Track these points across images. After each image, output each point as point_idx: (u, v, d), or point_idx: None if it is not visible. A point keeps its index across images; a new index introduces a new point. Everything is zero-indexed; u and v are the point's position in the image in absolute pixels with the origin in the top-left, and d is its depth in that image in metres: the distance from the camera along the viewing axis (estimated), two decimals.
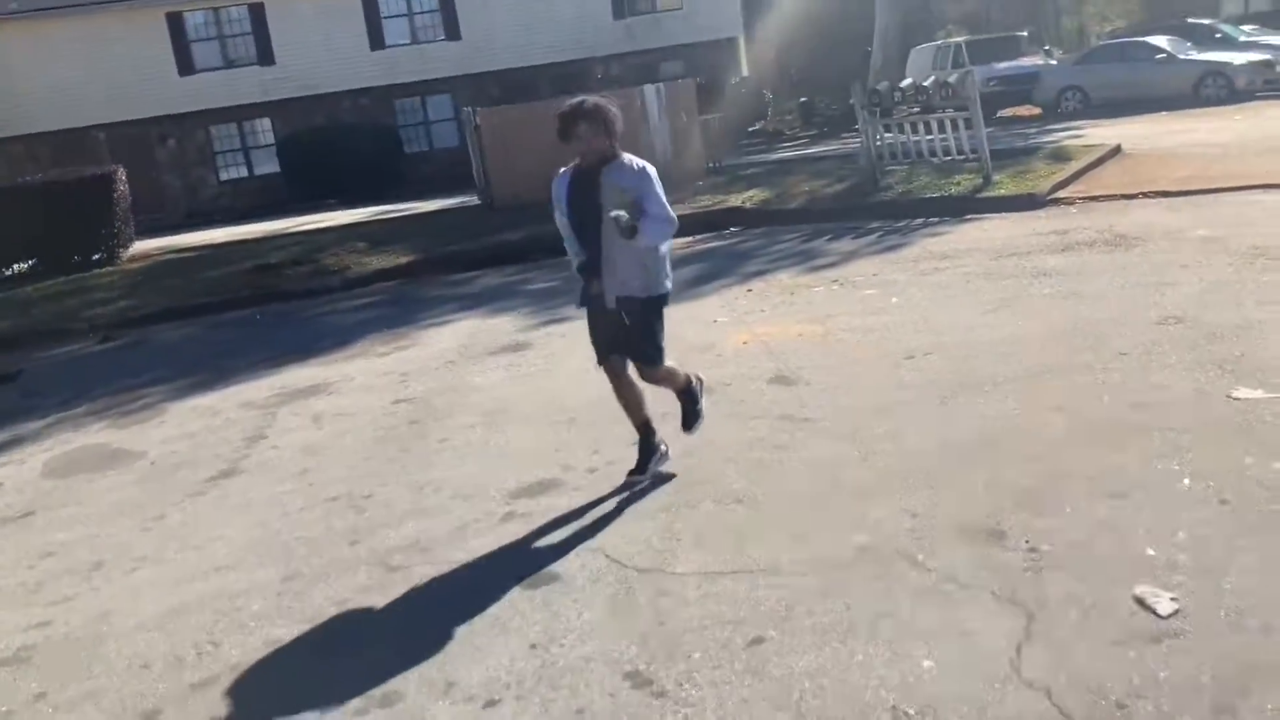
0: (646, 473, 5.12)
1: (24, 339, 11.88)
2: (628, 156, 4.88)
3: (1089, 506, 4.19)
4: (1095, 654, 3.22)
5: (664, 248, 4.97)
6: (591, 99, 4.85)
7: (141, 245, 18.99)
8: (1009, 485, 4.50)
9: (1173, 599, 3.44)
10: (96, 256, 17.00)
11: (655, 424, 5.23)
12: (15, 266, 16.89)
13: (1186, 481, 4.27)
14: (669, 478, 5.14)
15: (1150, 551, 3.77)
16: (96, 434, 7.68)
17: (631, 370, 5.13)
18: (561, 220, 5.07)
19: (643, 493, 5.01)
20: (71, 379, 9.86)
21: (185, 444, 7.06)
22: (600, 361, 5.12)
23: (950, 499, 4.45)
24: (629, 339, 4.98)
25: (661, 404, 5.37)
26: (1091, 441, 4.84)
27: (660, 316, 5.03)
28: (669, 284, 5.04)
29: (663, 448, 5.20)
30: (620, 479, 5.17)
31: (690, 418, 5.30)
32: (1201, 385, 5.34)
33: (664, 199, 4.86)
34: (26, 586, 5.01)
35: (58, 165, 22.62)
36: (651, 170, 4.87)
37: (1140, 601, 3.46)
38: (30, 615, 4.65)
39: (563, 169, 5.05)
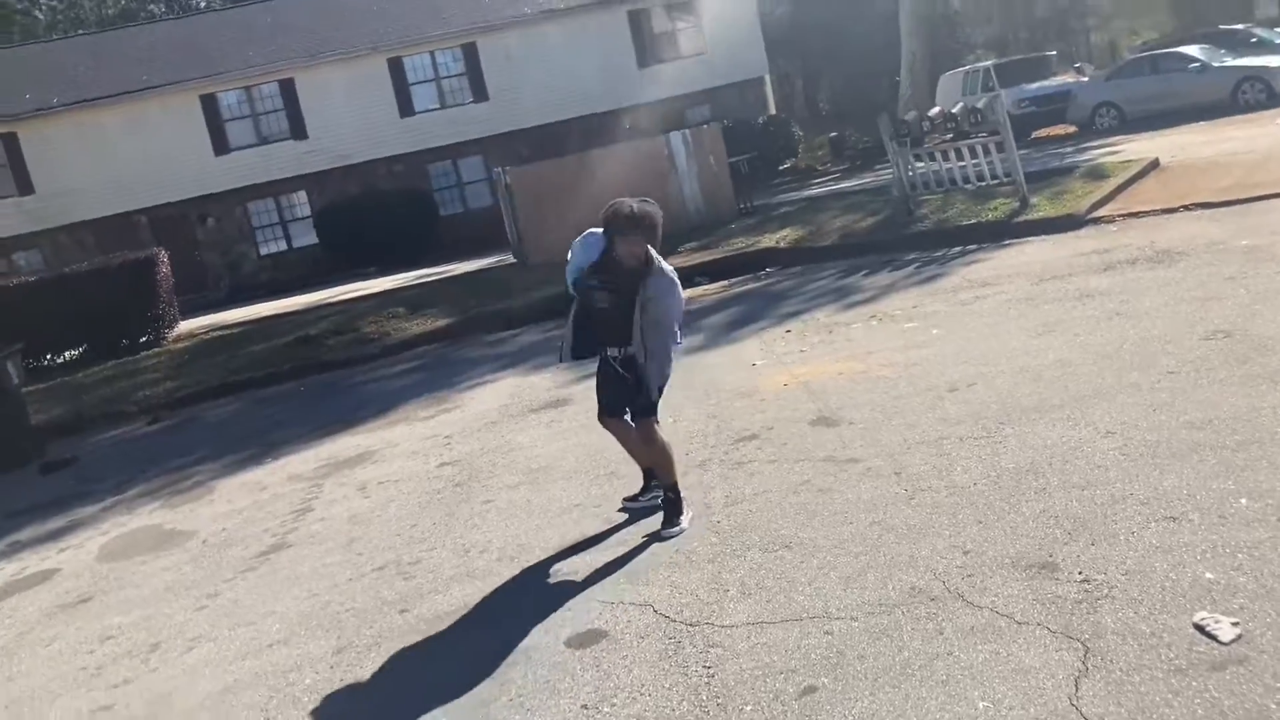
0: (639, 502, 5.56)
1: (78, 425, 12.10)
2: (660, 263, 5.09)
3: (1143, 532, 4.09)
4: (1156, 686, 3.12)
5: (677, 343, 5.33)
6: (652, 214, 4.98)
7: (186, 325, 19.32)
8: (1060, 515, 4.41)
9: (1234, 624, 3.34)
10: (144, 339, 17.32)
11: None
12: (67, 353, 17.23)
13: (1244, 501, 4.16)
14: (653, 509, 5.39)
15: (1209, 576, 3.67)
16: (150, 516, 7.76)
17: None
18: (573, 279, 5.30)
19: (689, 543, 4.97)
20: (124, 461, 10.00)
21: (235, 521, 7.12)
22: (601, 417, 5.50)
23: (1001, 533, 4.37)
24: (630, 391, 5.27)
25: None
26: (1143, 465, 4.74)
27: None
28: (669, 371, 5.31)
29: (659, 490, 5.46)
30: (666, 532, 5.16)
31: (669, 522, 5.20)
32: (1253, 400, 5.22)
33: (680, 313, 5.22)
34: (88, 670, 5.05)
35: (102, 251, 23.14)
36: (678, 288, 5.15)
37: (1200, 628, 3.36)
38: (93, 699, 4.69)
39: (590, 231, 5.19)
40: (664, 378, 5.24)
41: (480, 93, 29.53)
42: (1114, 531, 4.15)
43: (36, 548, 7.48)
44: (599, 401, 5.51)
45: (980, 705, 3.21)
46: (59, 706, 4.71)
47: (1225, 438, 4.83)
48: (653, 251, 5.06)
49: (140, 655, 5.08)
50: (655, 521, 5.29)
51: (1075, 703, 3.12)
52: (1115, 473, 4.72)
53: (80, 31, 38.33)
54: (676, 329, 5.26)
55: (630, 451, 5.56)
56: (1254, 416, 5.02)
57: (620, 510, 5.60)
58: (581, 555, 5.14)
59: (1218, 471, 4.48)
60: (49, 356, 17.08)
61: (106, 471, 9.63)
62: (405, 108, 29.23)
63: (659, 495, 5.39)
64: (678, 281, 5.16)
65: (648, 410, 5.23)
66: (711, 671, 3.76)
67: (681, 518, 5.23)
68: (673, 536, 5.11)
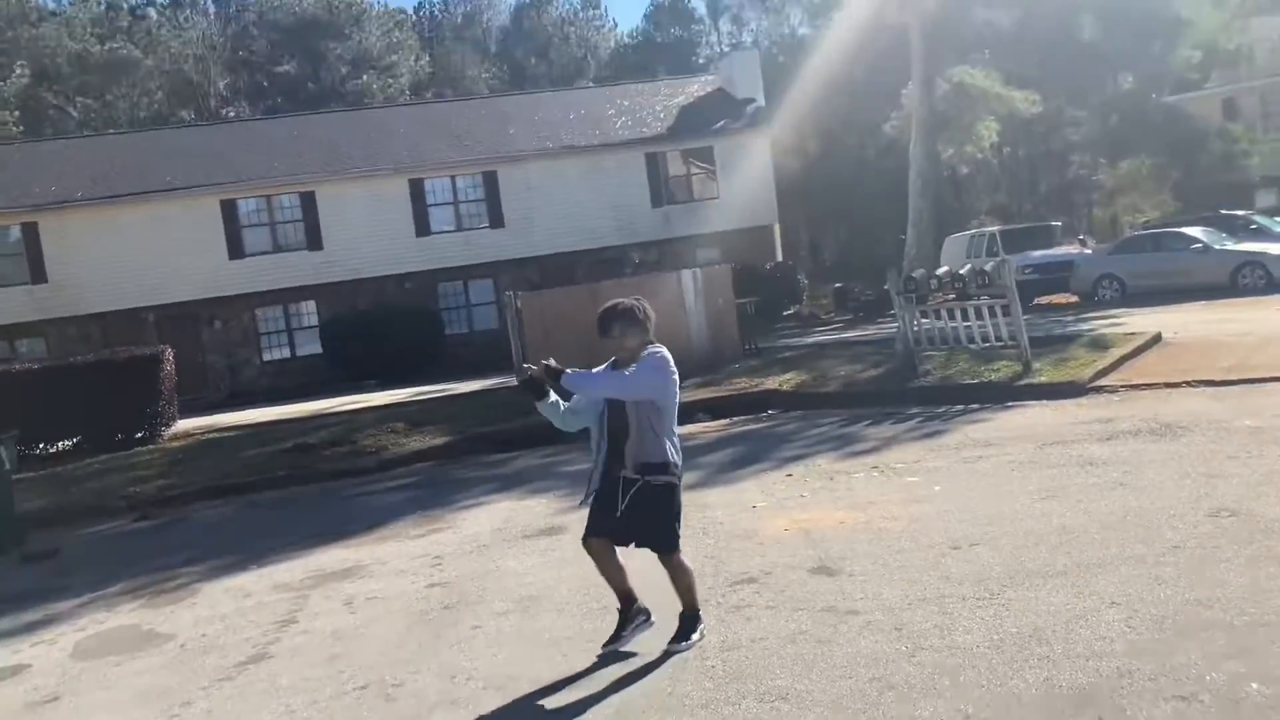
0: (621, 640, 5.38)
1: (63, 517, 11.93)
2: (652, 349, 5.24)
3: (1153, 710, 3.99)
4: None
5: (674, 440, 5.30)
6: (626, 302, 5.30)
7: (183, 424, 19.24)
8: (1065, 686, 4.31)
9: None
10: (139, 435, 17.23)
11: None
12: (60, 444, 17.12)
13: (1255, 685, 4.07)
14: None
15: None
16: (129, 614, 7.59)
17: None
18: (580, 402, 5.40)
19: (685, 687, 4.84)
20: (108, 557, 9.84)
21: (216, 626, 6.95)
22: (587, 538, 5.43)
23: (1004, 699, 4.26)
24: (643, 526, 5.26)
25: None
26: (1150, 639, 4.65)
27: (671, 501, 5.29)
28: (676, 458, 5.28)
29: (641, 618, 5.46)
30: (656, 674, 5.06)
31: (683, 635, 5.35)
32: (1260, 582, 5.16)
33: (645, 377, 5.14)
34: None
35: (107, 344, 23.24)
36: (660, 357, 5.20)
37: None
38: None
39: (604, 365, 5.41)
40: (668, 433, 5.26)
41: (497, 219, 30.08)
42: (1122, 707, 4.05)
43: (8, 640, 7.29)
44: (591, 521, 5.41)
45: None
46: None
47: (1233, 617, 4.75)
48: (649, 345, 5.25)
49: None
50: (643, 657, 5.18)
51: None
52: (1121, 645, 4.63)
53: (111, 131, 39.20)
54: (631, 381, 5.18)
55: (608, 578, 5.49)
56: (1262, 598, 4.95)
57: (599, 656, 5.37)
58: (571, 690, 5.01)
59: (1228, 652, 4.39)
60: (41, 446, 16.95)
61: (89, 566, 9.46)
62: (422, 227, 29.74)
63: (641, 625, 5.45)
64: (668, 358, 5.22)
65: (672, 545, 5.33)
66: None
67: (694, 635, 5.33)
68: (681, 651, 5.22)
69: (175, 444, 16.95)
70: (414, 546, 8.56)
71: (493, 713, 4.88)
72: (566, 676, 5.20)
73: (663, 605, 5.52)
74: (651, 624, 5.46)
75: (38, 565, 9.72)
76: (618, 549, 5.45)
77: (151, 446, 16.79)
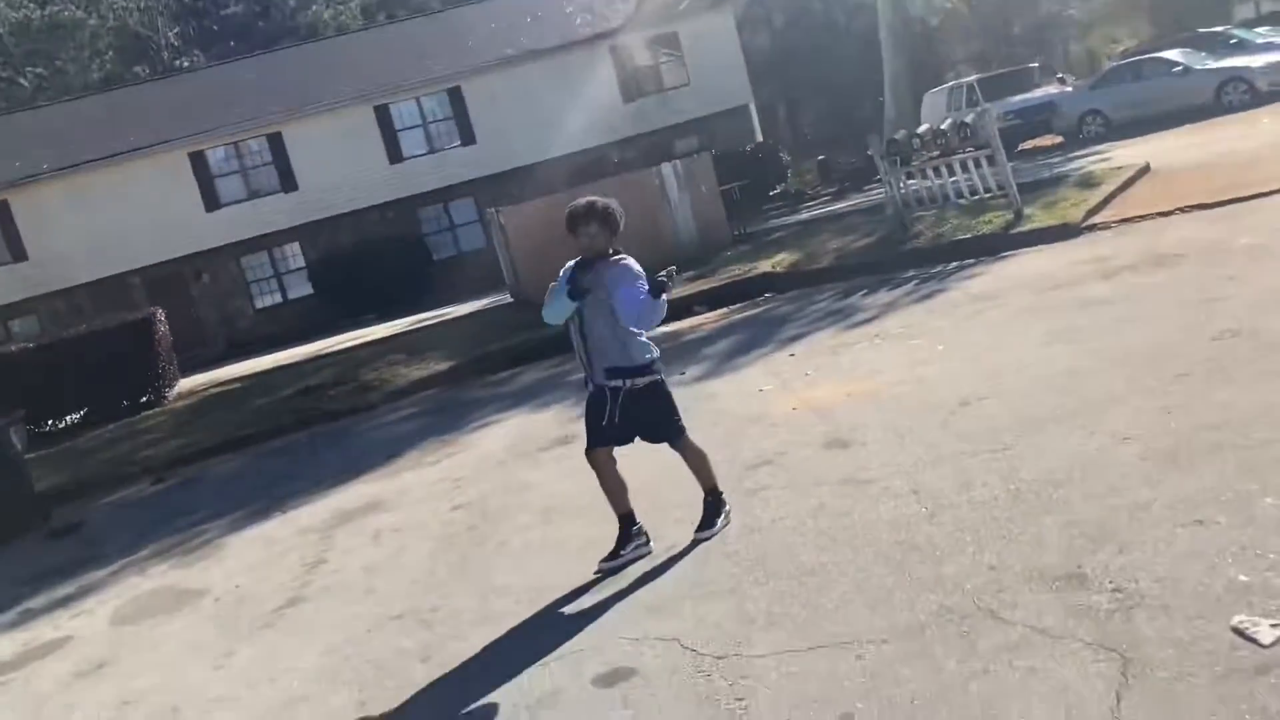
0: (619, 559, 5.35)
1: (83, 489, 12.00)
2: (618, 255, 5.27)
3: (1171, 538, 4.04)
4: (1199, 694, 3.07)
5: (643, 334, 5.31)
6: (602, 201, 5.27)
7: (186, 382, 19.28)
8: (1085, 524, 4.36)
9: (1273, 625, 3.28)
10: (144, 399, 17.26)
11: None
12: (69, 418, 17.17)
13: (1269, 501, 4.11)
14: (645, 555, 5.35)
15: (1242, 578, 3.62)
16: (161, 577, 7.68)
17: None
18: (554, 287, 5.36)
19: (711, 573, 4.91)
20: (132, 523, 9.93)
21: (248, 577, 7.04)
22: (590, 451, 5.44)
23: (1026, 546, 4.31)
24: (644, 425, 5.37)
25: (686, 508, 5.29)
26: (1164, 469, 4.69)
27: (662, 393, 5.36)
28: (655, 353, 5.36)
29: (641, 539, 5.43)
30: (682, 565, 5.14)
31: (708, 523, 5.44)
32: (1268, 398, 5.18)
33: (641, 288, 5.06)
34: None
35: (98, 313, 23.13)
36: (635, 265, 5.24)
37: (1239, 632, 3.31)
38: None
39: (563, 269, 5.39)
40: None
41: (468, 136, 29.66)
42: (1141, 538, 4.10)
43: (49, 615, 7.39)
44: (590, 432, 5.43)
45: None
46: None
47: (1244, 438, 4.78)
48: (617, 251, 5.29)
49: (161, 719, 5.01)
50: (671, 549, 5.25)
51: (1118, 716, 3.06)
52: (1136, 478, 4.68)
53: (67, 97, 38.47)
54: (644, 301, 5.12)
55: (609, 493, 5.46)
56: (1271, 414, 4.97)
57: (596, 573, 5.31)
58: (601, 591, 5.08)
59: (1240, 472, 4.43)
60: (51, 422, 17.01)
61: (114, 534, 9.55)
62: (394, 154, 29.35)
63: (640, 547, 5.41)
64: (635, 266, 5.23)
65: (677, 432, 5.43)
66: (745, 704, 3.70)
67: (719, 519, 5.43)
68: (709, 537, 5.33)
69: (181, 403, 17.01)
70: (432, 473, 8.63)
71: (529, 623, 4.95)
72: (596, 578, 5.27)
73: (684, 502, 5.60)
74: (650, 550, 5.40)
75: (64, 540, 9.82)
76: (620, 458, 5.47)
77: (158, 409, 16.84)
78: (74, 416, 17.18)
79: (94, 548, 9.18)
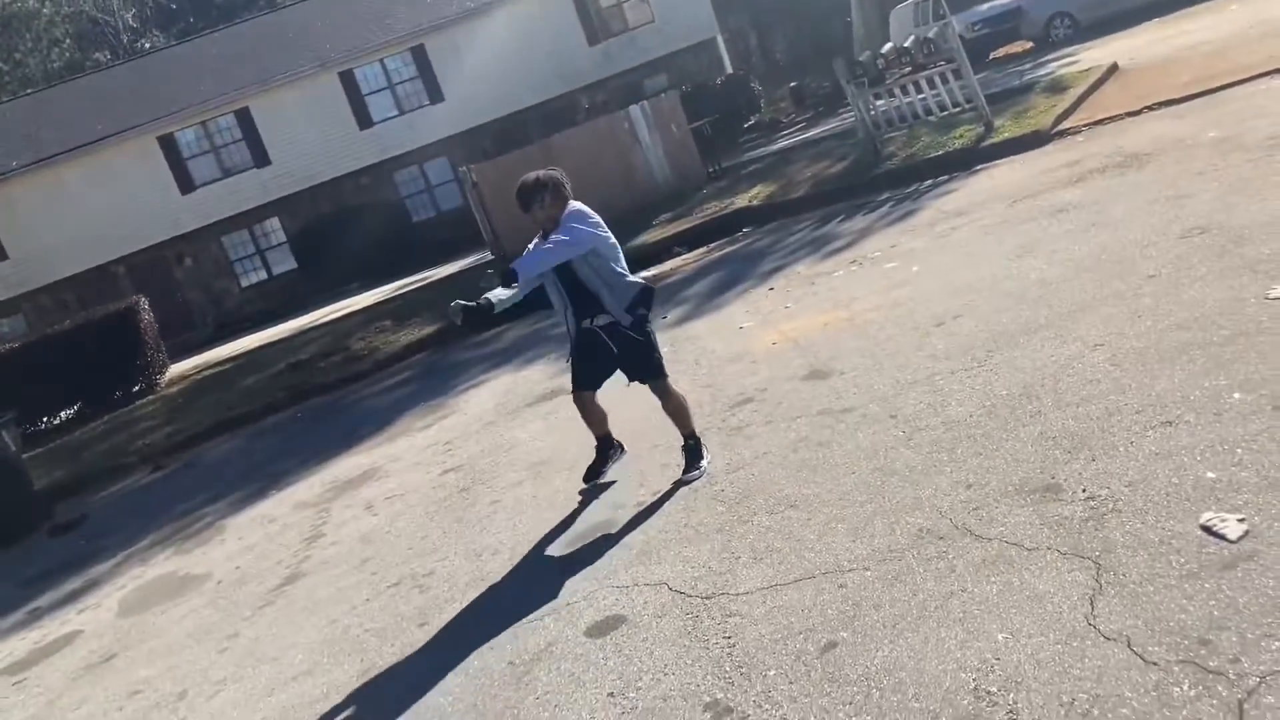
0: (602, 474, 5.87)
1: (81, 483, 12.09)
2: (569, 207, 5.45)
3: (1141, 441, 4.09)
4: (1170, 593, 3.12)
5: (627, 274, 5.52)
6: (538, 173, 5.47)
7: (177, 367, 19.30)
8: (1058, 435, 4.40)
9: (1240, 520, 3.34)
10: (136, 388, 17.28)
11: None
12: (62, 414, 17.20)
13: (1237, 395, 4.15)
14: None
15: (1210, 475, 3.66)
16: (164, 564, 7.76)
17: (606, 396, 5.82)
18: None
19: (698, 515, 4.97)
20: (132, 514, 9.99)
21: (248, 557, 7.11)
22: (577, 393, 5.74)
23: (1001, 462, 4.36)
24: (628, 363, 5.57)
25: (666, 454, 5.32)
26: (1134, 373, 4.73)
27: (646, 333, 5.53)
28: (640, 279, 5.58)
29: (615, 451, 5.97)
30: (669, 508, 5.19)
31: (692, 466, 5.56)
32: (1235, 292, 5.20)
33: (578, 233, 5.30)
34: None
35: (84, 306, 23.09)
36: (578, 210, 5.43)
37: (1208, 529, 3.36)
38: None
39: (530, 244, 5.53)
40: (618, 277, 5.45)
41: (436, 94, 29.36)
42: (1113, 444, 4.15)
43: (56, 611, 7.48)
44: (575, 375, 5.73)
45: (999, 637, 3.21)
46: None
47: (1212, 334, 4.81)
48: (571, 204, 5.44)
49: (169, 705, 5.09)
50: (656, 495, 5.31)
51: (1093, 621, 3.12)
52: (1107, 385, 4.72)
53: (29, 90, 38.03)
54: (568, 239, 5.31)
55: (590, 423, 5.84)
56: (1238, 309, 5.00)
57: (581, 492, 5.83)
58: (591, 543, 5.14)
59: (1208, 369, 4.47)
60: (44, 419, 17.05)
61: (115, 526, 9.63)
62: (364, 119, 29.06)
63: (615, 457, 5.95)
64: (585, 208, 5.45)
65: (658, 372, 5.57)
66: (732, 641, 3.76)
67: (702, 461, 5.54)
68: (695, 480, 5.41)
69: (173, 390, 17.02)
70: (423, 438, 8.67)
71: (522, 580, 5.03)
72: (585, 530, 5.33)
73: (669, 445, 5.66)
74: (625, 453, 6.01)
75: (67, 536, 9.90)
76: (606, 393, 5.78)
77: (151, 397, 16.87)
78: (67, 412, 17.22)
79: (97, 541, 9.27)
